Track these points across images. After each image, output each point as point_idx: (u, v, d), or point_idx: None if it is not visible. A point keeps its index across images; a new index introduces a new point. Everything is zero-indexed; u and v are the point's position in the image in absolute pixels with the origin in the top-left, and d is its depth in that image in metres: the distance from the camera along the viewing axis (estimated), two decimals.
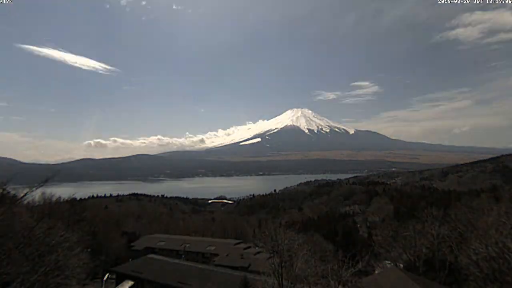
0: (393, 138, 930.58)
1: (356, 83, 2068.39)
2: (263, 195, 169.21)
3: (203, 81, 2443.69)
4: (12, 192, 15.64)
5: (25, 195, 14.80)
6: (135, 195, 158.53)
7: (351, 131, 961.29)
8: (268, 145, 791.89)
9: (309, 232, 47.89)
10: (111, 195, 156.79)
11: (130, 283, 26.70)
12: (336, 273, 13.25)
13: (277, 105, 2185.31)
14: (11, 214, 13.76)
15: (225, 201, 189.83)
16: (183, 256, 41.02)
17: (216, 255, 39.75)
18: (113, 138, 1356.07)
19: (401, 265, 25.84)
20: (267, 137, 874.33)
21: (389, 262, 30.05)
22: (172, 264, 30.12)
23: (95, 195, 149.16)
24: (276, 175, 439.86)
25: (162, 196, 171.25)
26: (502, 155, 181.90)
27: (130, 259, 35.08)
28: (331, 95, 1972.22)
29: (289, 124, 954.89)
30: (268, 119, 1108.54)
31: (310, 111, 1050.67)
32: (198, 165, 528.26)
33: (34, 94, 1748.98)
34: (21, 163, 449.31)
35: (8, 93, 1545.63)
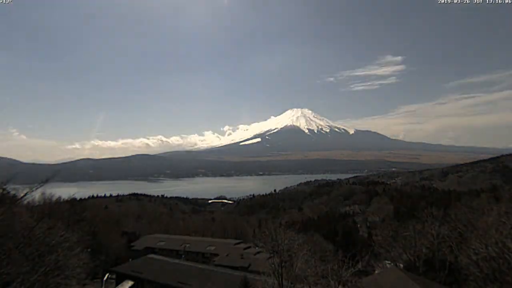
0: (393, 138, 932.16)
1: (381, 60, 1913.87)
2: (263, 195, 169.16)
3: (203, 81, 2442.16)
4: (12, 192, 15.63)
5: (25, 195, 14.79)
6: (135, 195, 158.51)
7: (351, 131, 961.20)
8: (268, 145, 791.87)
9: (309, 232, 47.87)
10: (111, 195, 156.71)
11: (130, 283, 26.70)
12: (336, 273, 13.25)
13: (277, 101, 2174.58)
14: (11, 214, 13.75)
15: (225, 201, 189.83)
16: (183, 256, 41.02)
17: (216, 255, 39.75)
18: (112, 139, 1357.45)
19: (401, 265, 25.83)
20: (267, 137, 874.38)
21: (389, 262, 30.03)
22: (172, 264, 30.12)
23: (95, 195, 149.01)
24: (276, 175, 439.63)
25: (162, 196, 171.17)
26: (502, 155, 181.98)
27: (130, 259, 35.09)
28: (343, 74, 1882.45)
29: (289, 124, 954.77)
30: (266, 119, 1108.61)
31: (310, 111, 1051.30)
32: (198, 165, 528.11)
33: (34, 94, 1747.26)
34: (21, 163, 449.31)
35: (8, 94, 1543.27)
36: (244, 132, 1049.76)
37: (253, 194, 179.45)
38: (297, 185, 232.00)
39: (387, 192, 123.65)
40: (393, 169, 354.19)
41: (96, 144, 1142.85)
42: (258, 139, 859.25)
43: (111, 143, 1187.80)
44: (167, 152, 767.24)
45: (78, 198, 66.89)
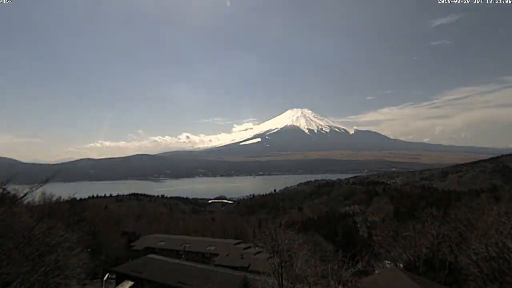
0: (392, 138, 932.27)
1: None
2: (263, 195, 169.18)
3: (203, 80, 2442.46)
4: (12, 192, 15.64)
5: (25, 195, 14.81)
6: (135, 195, 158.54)
7: (351, 131, 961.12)
8: (268, 145, 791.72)
9: (309, 232, 47.89)
10: (111, 195, 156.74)
11: (130, 283, 26.70)
12: (336, 273, 13.25)
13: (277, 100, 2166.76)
14: (11, 214, 13.77)
15: (225, 201, 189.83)
16: (183, 256, 41.04)
17: (216, 255, 39.77)
18: (113, 139, 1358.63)
19: (401, 265, 25.80)
20: (267, 137, 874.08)
21: (389, 262, 30.01)
22: (172, 264, 30.13)
23: (95, 195, 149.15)
24: (276, 175, 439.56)
25: (162, 196, 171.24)
26: (502, 155, 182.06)
27: (130, 259, 35.13)
28: None
29: (289, 124, 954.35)
30: (264, 120, 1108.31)
31: (310, 111, 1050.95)
32: (198, 165, 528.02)
33: (34, 93, 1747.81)
34: (21, 163, 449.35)
35: (7, 94, 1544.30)
36: (244, 132, 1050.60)
37: (253, 194, 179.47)
38: (297, 185, 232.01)
39: (387, 192, 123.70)
40: (393, 169, 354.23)
41: (96, 144, 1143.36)
42: (258, 139, 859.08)
43: (112, 143, 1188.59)
44: (167, 152, 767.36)
45: (78, 198, 66.72)
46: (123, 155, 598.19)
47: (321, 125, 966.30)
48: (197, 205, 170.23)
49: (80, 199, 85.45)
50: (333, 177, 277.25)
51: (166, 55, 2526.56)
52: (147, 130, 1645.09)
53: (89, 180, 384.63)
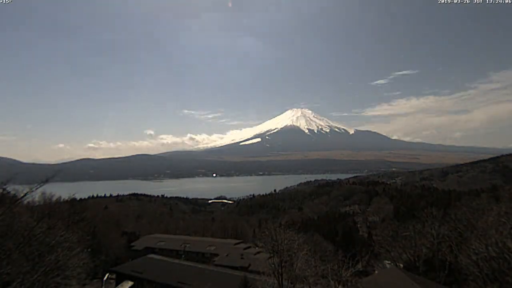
0: (393, 138, 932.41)
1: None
2: (263, 195, 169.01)
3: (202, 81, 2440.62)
4: (12, 192, 15.64)
5: (25, 195, 14.80)
6: (135, 195, 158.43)
7: (351, 131, 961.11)
8: (268, 145, 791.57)
9: (309, 232, 47.86)
10: (111, 195, 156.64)
11: (130, 283, 26.69)
12: (336, 273, 13.27)
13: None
14: (11, 214, 13.77)
15: (225, 201, 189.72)
16: (183, 256, 41.05)
17: (216, 255, 39.80)
18: (114, 139, 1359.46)
19: (401, 265, 25.81)
20: (267, 137, 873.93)
21: (389, 262, 30.01)
22: (172, 264, 30.15)
23: (95, 195, 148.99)
24: (276, 175, 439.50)
25: (162, 196, 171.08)
26: (502, 155, 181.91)
27: (130, 259, 35.11)
28: None
29: (289, 124, 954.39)
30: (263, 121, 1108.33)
31: (310, 111, 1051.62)
32: (198, 165, 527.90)
33: (35, 93, 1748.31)
34: (21, 163, 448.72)
35: (7, 94, 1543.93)
36: (244, 132, 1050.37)
37: (253, 194, 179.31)
38: (297, 185, 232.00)
39: (387, 192, 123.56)
40: (393, 169, 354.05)
41: (97, 144, 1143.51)
42: (258, 139, 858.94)
43: (113, 143, 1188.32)
44: (167, 152, 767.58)
45: (78, 198, 66.85)
46: (123, 155, 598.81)
47: (321, 125, 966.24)
48: (197, 205, 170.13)
49: (80, 199, 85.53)
50: (333, 177, 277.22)
51: (166, 55, 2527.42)
52: (148, 130, 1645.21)
53: (89, 180, 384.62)
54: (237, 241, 48.37)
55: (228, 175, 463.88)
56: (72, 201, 39.71)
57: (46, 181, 14.90)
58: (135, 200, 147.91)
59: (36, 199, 29.83)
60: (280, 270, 15.18)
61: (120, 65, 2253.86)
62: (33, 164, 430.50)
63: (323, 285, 13.85)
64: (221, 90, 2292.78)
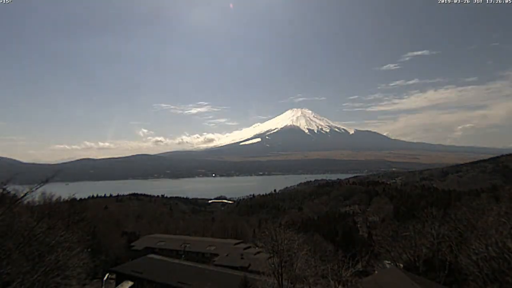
0: (393, 138, 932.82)
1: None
2: (263, 195, 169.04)
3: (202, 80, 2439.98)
4: (12, 192, 15.65)
5: (25, 195, 14.81)
6: (135, 195, 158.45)
7: (351, 131, 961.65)
8: (268, 145, 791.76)
9: (309, 232, 47.91)
10: (111, 195, 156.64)
11: (130, 283, 26.70)
12: (336, 273, 13.27)
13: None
14: (11, 214, 13.78)
15: (225, 201, 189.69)
16: (183, 256, 41.05)
17: (216, 255, 39.81)
18: (113, 140, 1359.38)
19: (401, 265, 25.82)
20: (267, 137, 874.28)
21: (389, 262, 30.03)
22: (172, 264, 30.16)
23: (95, 195, 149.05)
24: (276, 175, 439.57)
25: (162, 196, 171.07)
26: (502, 155, 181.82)
27: (130, 259, 35.10)
28: None
29: (289, 124, 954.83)
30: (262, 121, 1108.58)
31: (310, 111, 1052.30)
32: (198, 165, 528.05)
33: (35, 93, 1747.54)
34: (21, 163, 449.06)
35: (7, 94, 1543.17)
36: (244, 132, 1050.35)
37: (253, 194, 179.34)
38: (297, 185, 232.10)
39: (387, 192, 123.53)
40: (393, 169, 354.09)
41: (97, 144, 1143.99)
42: (258, 139, 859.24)
43: (112, 144, 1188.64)
44: (167, 152, 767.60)
45: (78, 198, 66.91)
46: (123, 155, 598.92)
47: (321, 125, 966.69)
48: (197, 205, 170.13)
49: (80, 199, 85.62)
50: (333, 177, 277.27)
51: (167, 55, 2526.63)
52: (148, 130, 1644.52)
53: (89, 180, 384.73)
54: (237, 241, 48.34)
55: (228, 175, 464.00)
56: (72, 201, 39.72)
57: (46, 181, 14.89)
58: (135, 200, 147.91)
59: (36, 199, 29.86)
60: (280, 270, 15.19)
61: (119, 65, 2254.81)
62: (33, 164, 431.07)
63: (323, 285, 13.86)
64: (221, 90, 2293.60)
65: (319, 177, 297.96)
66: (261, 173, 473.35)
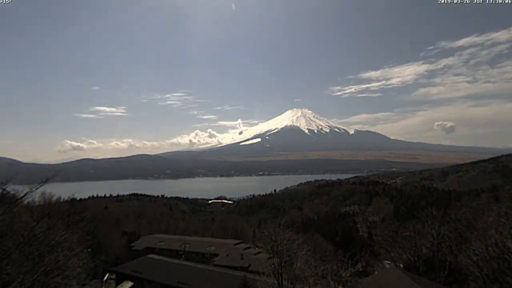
0: (392, 138, 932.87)
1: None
2: (263, 195, 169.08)
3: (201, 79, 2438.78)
4: (12, 192, 15.63)
5: (25, 195, 14.79)
6: (135, 195, 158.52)
7: (351, 131, 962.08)
8: (268, 145, 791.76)
9: (309, 232, 47.92)
10: (111, 195, 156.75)
11: (130, 283, 26.70)
12: (336, 273, 13.28)
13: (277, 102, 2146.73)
14: (11, 214, 13.77)
15: (225, 201, 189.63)
16: (183, 256, 41.02)
17: (216, 255, 39.78)
18: (117, 139, 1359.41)
19: (401, 265, 25.80)
20: (267, 137, 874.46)
21: (389, 262, 30.00)
22: (172, 264, 30.15)
23: (95, 195, 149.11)
24: (276, 175, 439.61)
25: (162, 196, 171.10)
26: (502, 155, 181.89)
27: (130, 259, 35.08)
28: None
29: (289, 124, 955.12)
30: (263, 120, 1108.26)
31: (310, 111, 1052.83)
32: (198, 165, 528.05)
33: (35, 93, 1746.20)
34: (21, 163, 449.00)
35: (7, 94, 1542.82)
36: (244, 132, 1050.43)
37: (253, 194, 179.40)
38: (297, 185, 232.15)
39: (387, 192, 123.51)
40: (393, 169, 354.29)
41: (97, 144, 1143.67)
42: (258, 139, 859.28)
43: (112, 144, 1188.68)
44: (167, 152, 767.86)
45: (78, 198, 66.86)
46: (123, 155, 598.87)
47: (321, 125, 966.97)
48: (197, 205, 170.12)
49: (80, 199, 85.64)
50: (333, 177, 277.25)
51: (166, 55, 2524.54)
52: (148, 130, 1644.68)
53: (89, 180, 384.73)
54: (237, 241, 48.29)
55: (228, 175, 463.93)
56: (72, 201, 39.64)
57: (46, 181, 14.89)
58: (135, 200, 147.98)
59: (36, 199, 29.78)
60: (280, 270, 15.20)
61: (119, 65, 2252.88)
62: (33, 164, 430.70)
63: (323, 285, 13.86)
64: (221, 90, 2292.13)
65: (319, 177, 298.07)
66: (261, 173, 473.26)
